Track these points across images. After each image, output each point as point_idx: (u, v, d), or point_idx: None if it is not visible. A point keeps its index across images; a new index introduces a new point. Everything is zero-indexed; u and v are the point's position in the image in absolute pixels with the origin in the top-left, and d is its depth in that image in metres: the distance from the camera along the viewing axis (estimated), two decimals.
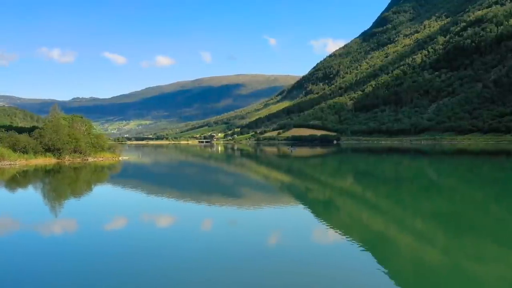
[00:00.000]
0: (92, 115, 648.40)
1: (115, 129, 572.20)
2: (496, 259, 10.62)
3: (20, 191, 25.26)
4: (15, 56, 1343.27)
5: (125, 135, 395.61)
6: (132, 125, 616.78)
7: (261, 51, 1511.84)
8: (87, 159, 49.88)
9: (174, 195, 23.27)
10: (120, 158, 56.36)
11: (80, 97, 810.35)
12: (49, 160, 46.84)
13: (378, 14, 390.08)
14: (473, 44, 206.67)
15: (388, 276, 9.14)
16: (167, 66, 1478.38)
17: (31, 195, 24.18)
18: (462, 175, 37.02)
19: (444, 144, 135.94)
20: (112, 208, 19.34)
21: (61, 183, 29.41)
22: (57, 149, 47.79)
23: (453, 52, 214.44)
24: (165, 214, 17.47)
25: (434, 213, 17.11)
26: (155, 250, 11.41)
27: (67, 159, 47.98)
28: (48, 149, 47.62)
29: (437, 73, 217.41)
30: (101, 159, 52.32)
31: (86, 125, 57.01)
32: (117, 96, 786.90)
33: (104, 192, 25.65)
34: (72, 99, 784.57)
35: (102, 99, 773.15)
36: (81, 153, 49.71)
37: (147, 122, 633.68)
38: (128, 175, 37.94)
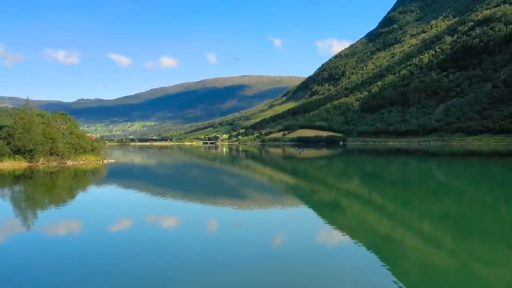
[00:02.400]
0: (96, 116, 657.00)
1: (119, 130, 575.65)
2: (505, 262, 10.33)
3: None
4: (20, 58, 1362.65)
5: (130, 137, 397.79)
6: (136, 126, 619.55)
7: (266, 52, 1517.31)
8: (65, 163, 44.01)
9: (178, 197, 22.94)
10: (105, 161, 50.53)
11: (85, 98, 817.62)
12: (18, 164, 40.99)
13: (384, 14, 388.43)
14: (482, 43, 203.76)
15: (394, 279, 8.92)
16: (172, 67, 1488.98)
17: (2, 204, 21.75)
18: (471, 176, 36.40)
19: (453, 145, 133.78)
20: (117, 209, 18.92)
21: (38, 190, 25.94)
22: (28, 151, 41.62)
23: (461, 52, 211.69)
24: (170, 216, 17.33)
25: (442, 215, 16.68)
26: (159, 251, 11.38)
27: (41, 163, 42.01)
28: (18, 151, 41.59)
29: (444, 73, 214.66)
30: (83, 162, 46.38)
31: (67, 123, 49.91)
32: (121, 98, 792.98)
33: (106, 193, 25.11)
34: (77, 100, 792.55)
35: (107, 100, 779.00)
36: (58, 155, 43.66)
37: (152, 123, 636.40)
38: (125, 178, 36.29)
